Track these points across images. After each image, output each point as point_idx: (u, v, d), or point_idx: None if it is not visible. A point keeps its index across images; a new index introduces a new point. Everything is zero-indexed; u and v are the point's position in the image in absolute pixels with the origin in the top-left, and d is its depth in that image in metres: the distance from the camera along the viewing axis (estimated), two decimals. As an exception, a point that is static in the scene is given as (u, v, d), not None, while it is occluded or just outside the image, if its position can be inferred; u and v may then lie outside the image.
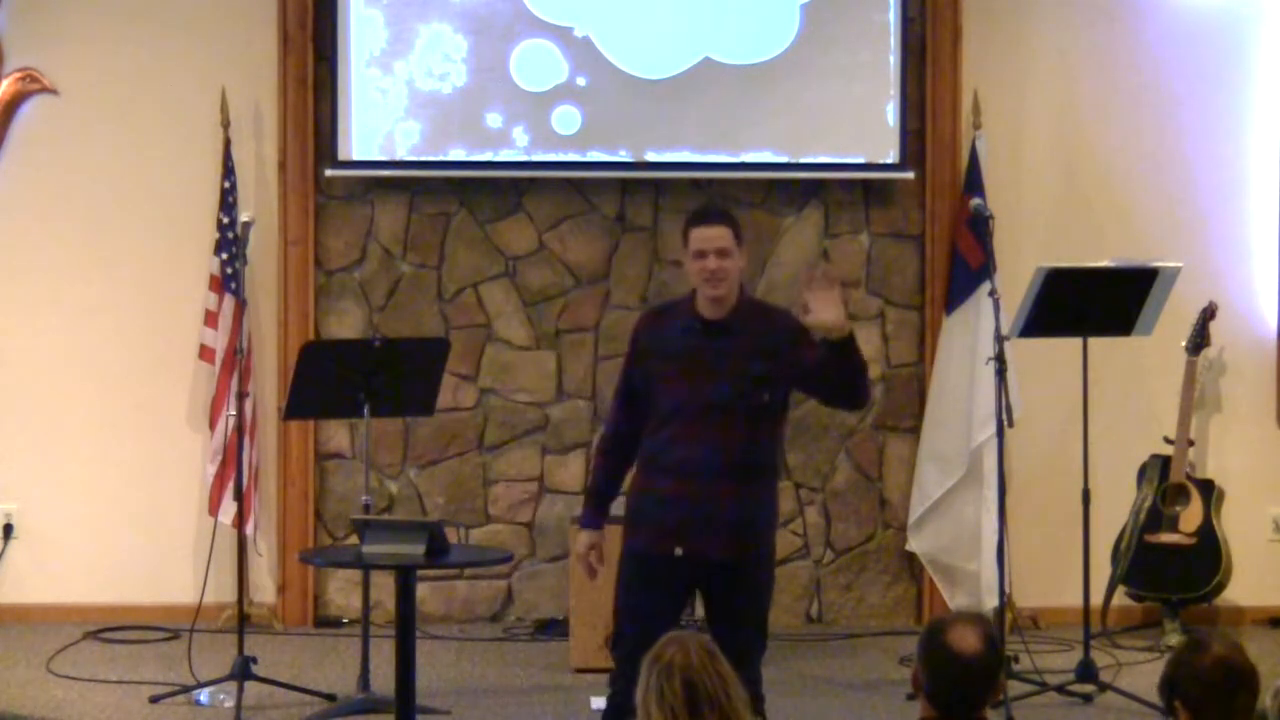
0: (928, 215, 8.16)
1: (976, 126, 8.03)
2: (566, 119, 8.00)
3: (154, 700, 6.79)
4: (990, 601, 7.50)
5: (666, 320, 5.51)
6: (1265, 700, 3.74)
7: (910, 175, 8.12)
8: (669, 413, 5.36)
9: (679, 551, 5.32)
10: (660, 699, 3.52)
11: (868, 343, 8.19)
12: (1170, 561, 7.88)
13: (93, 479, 8.05)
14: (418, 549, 5.56)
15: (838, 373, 5.31)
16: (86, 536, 8.04)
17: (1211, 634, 3.81)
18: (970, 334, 7.86)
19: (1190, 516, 7.89)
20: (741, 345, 5.35)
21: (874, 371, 8.20)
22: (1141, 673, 7.17)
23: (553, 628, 7.88)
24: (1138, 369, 8.08)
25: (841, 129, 8.07)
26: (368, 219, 8.13)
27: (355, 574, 7.77)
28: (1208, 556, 7.87)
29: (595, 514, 5.55)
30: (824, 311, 5.23)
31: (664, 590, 5.37)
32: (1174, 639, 7.58)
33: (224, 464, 7.73)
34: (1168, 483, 7.90)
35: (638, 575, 5.40)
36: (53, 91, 8.02)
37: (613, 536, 5.54)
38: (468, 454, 8.17)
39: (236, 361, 7.09)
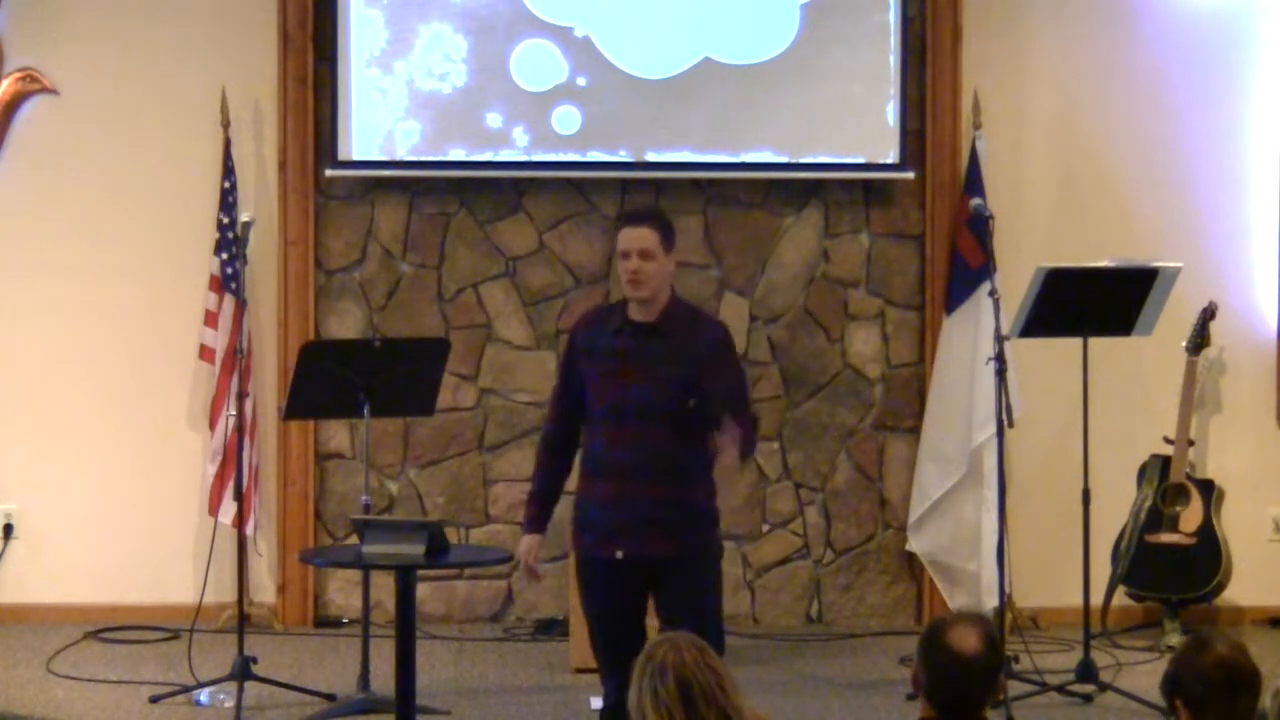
0: (928, 215, 8.16)
1: (976, 126, 8.04)
2: (566, 119, 8.00)
3: (154, 700, 6.79)
4: (990, 601, 7.50)
5: (600, 322, 5.53)
6: (1265, 700, 3.73)
7: (910, 175, 8.12)
8: (601, 416, 5.39)
9: (619, 554, 5.34)
10: (655, 699, 3.52)
11: (867, 343, 8.20)
12: (1170, 561, 7.88)
13: (93, 479, 8.05)
14: (418, 549, 5.56)
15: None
16: (86, 536, 8.04)
17: (1214, 634, 3.81)
18: (970, 334, 7.86)
19: (1190, 516, 7.89)
20: (667, 350, 5.34)
21: (874, 371, 8.21)
22: (1141, 673, 7.17)
23: (553, 628, 7.89)
24: (1138, 369, 8.08)
25: (841, 129, 8.07)
26: (368, 219, 8.13)
27: (355, 574, 7.76)
28: (1208, 556, 7.87)
29: (536, 518, 5.56)
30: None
31: (614, 592, 5.39)
32: (1174, 639, 7.58)
33: (224, 464, 7.73)
34: (1168, 483, 7.89)
35: (587, 580, 5.46)
36: (53, 91, 8.02)
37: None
38: (468, 454, 8.17)
39: (236, 361, 7.09)
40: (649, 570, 5.34)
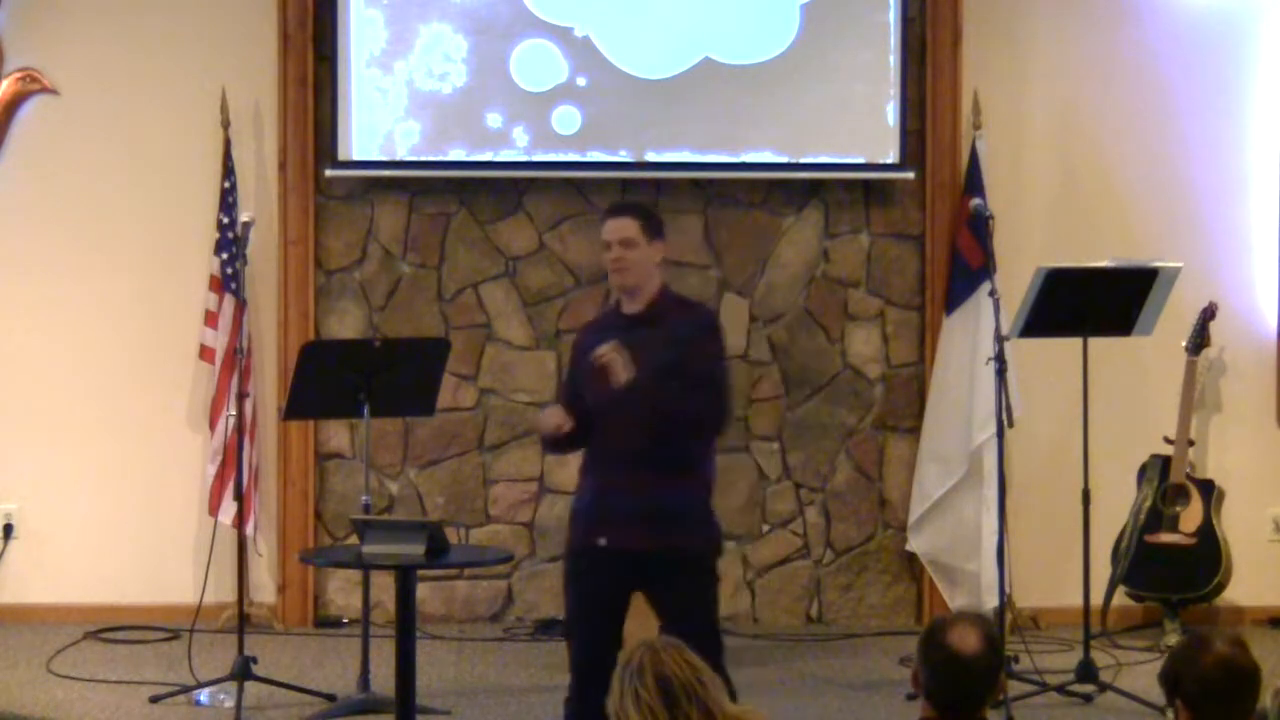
0: (928, 215, 8.16)
1: (976, 126, 8.04)
2: (566, 119, 8.00)
3: (154, 700, 6.79)
4: (990, 601, 7.50)
5: (598, 324, 5.65)
6: (1265, 700, 3.73)
7: (910, 175, 8.12)
8: (594, 410, 5.41)
9: (602, 542, 5.37)
10: (637, 700, 3.51)
11: (867, 343, 8.20)
12: (1170, 562, 7.88)
13: (93, 479, 8.05)
14: (418, 549, 5.56)
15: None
16: (86, 536, 8.05)
17: (1214, 632, 3.79)
18: (970, 334, 7.86)
19: (1190, 516, 7.89)
20: (655, 337, 5.38)
21: (874, 371, 8.21)
22: (1141, 673, 7.17)
23: (553, 628, 7.88)
24: (1138, 369, 8.08)
25: (841, 129, 8.07)
26: (368, 219, 8.13)
27: (355, 574, 7.77)
28: (1208, 556, 7.87)
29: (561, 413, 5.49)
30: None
31: (596, 584, 5.40)
32: (1174, 639, 7.57)
33: (224, 464, 7.73)
34: (1168, 483, 7.89)
35: (572, 571, 5.51)
36: (53, 91, 8.03)
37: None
38: (468, 454, 8.17)
39: (236, 361, 7.09)
40: (634, 565, 5.34)
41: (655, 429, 5.32)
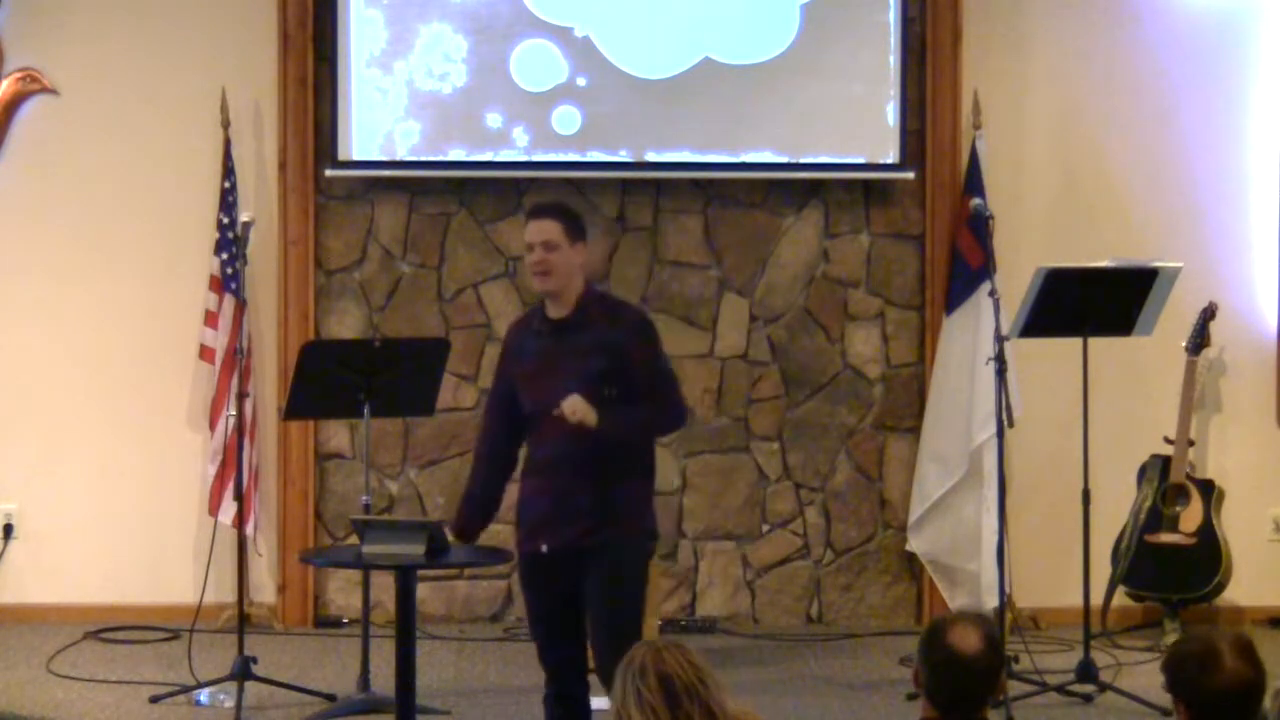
0: (928, 215, 8.16)
1: (976, 126, 8.04)
2: (566, 119, 8.00)
3: (154, 700, 6.79)
4: (990, 601, 7.50)
5: (524, 325, 5.61)
6: (1266, 700, 3.72)
7: (910, 175, 8.12)
8: (529, 416, 5.46)
9: (544, 548, 5.41)
10: (639, 700, 3.52)
11: (867, 343, 8.20)
12: (1170, 561, 7.88)
13: (93, 479, 8.05)
14: (418, 549, 5.55)
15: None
16: (86, 536, 8.04)
17: (1222, 638, 3.74)
18: (970, 334, 7.86)
19: (1190, 516, 7.89)
20: (583, 342, 5.39)
21: (874, 371, 8.21)
22: (1141, 673, 7.17)
23: (553, 628, 7.88)
24: (1138, 369, 8.07)
25: (841, 129, 8.07)
26: (368, 219, 8.13)
27: (355, 574, 7.76)
28: (1208, 556, 7.87)
29: (466, 524, 5.67)
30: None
31: (544, 589, 5.48)
32: (1174, 639, 7.56)
33: (224, 464, 7.73)
34: (1168, 483, 7.89)
35: (522, 577, 5.60)
36: (53, 91, 8.02)
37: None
38: (468, 454, 8.15)
39: (236, 361, 7.09)
40: (574, 563, 5.37)
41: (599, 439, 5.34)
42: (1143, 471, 7.95)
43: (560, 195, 8.08)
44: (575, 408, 5.25)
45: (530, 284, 8.05)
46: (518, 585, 8.07)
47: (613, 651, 4.79)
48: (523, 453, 5.64)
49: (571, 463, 5.35)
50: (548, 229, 5.42)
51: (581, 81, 7.99)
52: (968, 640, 3.66)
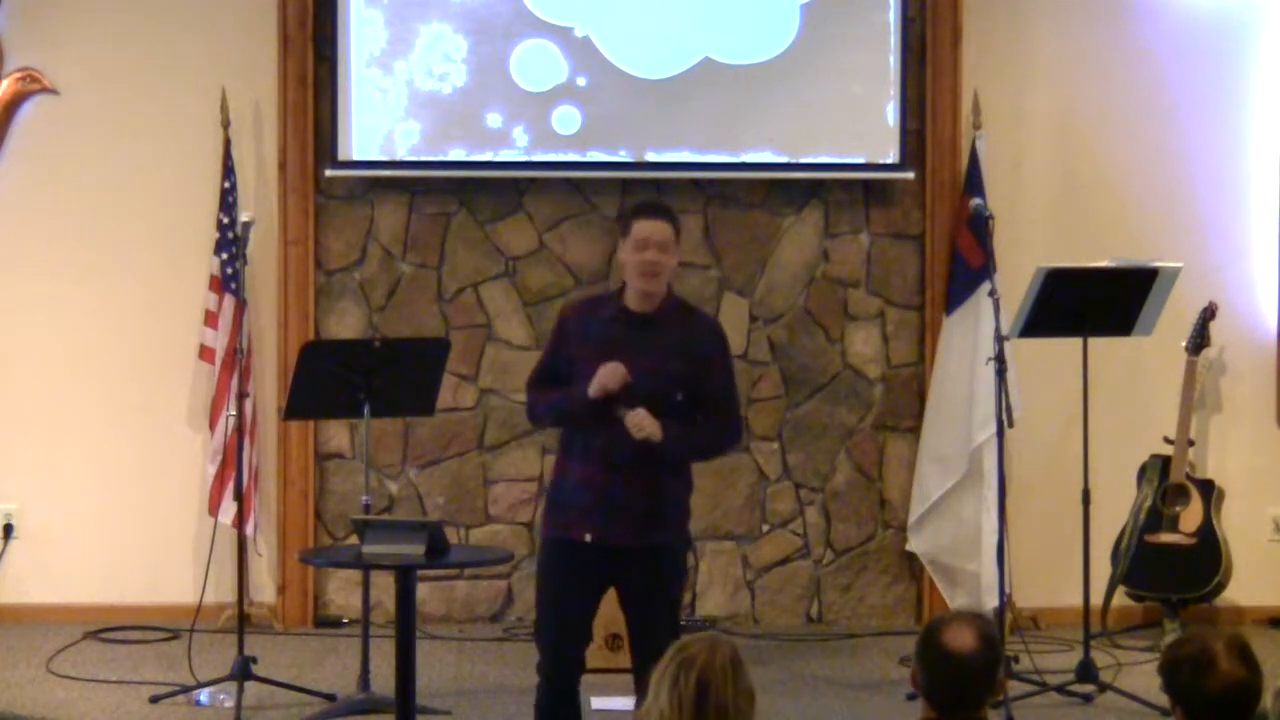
0: (928, 215, 8.16)
1: (976, 126, 8.04)
2: (566, 119, 8.00)
3: (154, 700, 6.79)
4: (990, 601, 7.50)
5: (594, 309, 5.54)
6: (1266, 700, 3.72)
7: (910, 175, 8.12)
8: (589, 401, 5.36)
9: (588, 538, 5.36)
10: (673, 685, 3.57)
11: (867, 343, 8.20)
12: (1170, 561, 7.88)
13: (93, 479, 8.05)
14: (418, 549, 5.56)
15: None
16: (86, 536, 8.04)
17: (1217, 639, 3.74)
18: (970, 334, 7.86)
19: (1190, 516, 7.89)
20: (663, 341, 5.37)
21: (874, 371, 8.21)
22: (1141, 673, 7.17)
23: (553, 628, 7.88)
24: (1138, 369, 8.08)
25: (841, 129, 8.07)
26: (368, 219, 8.13)
27: (355, 574, 7.77)
28: (1208, 556, 7.87)
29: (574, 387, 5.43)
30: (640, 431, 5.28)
31: (575, 577, 5.41)
32: (1173, 640, 7.56)
33: (224, 464, 7.73)
34: (1168, 483, 7.90)
35: (552, 561, 5.46)
36: (53, 91, 8.03)
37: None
38: (468, 454, 8.17)
39: (236, 361, 7.09)
40: (613, 559, 5.35)
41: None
42: (1143, 471, 7.95)
43: (561, 194, 8.11)
44: (641, 424, 5.23)
45: (527, 282, 8.13)
46: (518, 585, 8.12)
47: (654, 654, 4.84)
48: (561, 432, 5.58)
49: (626, 458, 5.29)
50: (663, 230, 5.38)
51: (581, 81, 7.99)
52: (963, 640, 3.66)
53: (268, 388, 8.02)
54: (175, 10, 8.03)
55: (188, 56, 8.02)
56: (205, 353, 7.89)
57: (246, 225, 7.09)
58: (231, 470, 7.42)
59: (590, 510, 5.35)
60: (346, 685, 6.89)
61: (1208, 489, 7.94)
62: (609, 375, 5.27)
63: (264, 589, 8.07)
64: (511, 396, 8.14)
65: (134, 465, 8.04)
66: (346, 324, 8.11)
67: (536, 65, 7.98)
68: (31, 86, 8.02)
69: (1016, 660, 7.00)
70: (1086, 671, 6.91)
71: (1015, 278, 7.22)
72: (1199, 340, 7.92)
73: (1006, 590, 7.10)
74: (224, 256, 7.77)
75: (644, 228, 5.38)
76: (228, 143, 7.91)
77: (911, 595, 8.26)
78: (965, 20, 8.12)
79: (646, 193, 8.10)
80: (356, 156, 7.99)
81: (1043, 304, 6.92)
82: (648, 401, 5.28)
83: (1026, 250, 7.85)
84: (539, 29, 7.97)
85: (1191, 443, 7.96)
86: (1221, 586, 7.93)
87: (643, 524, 5.35)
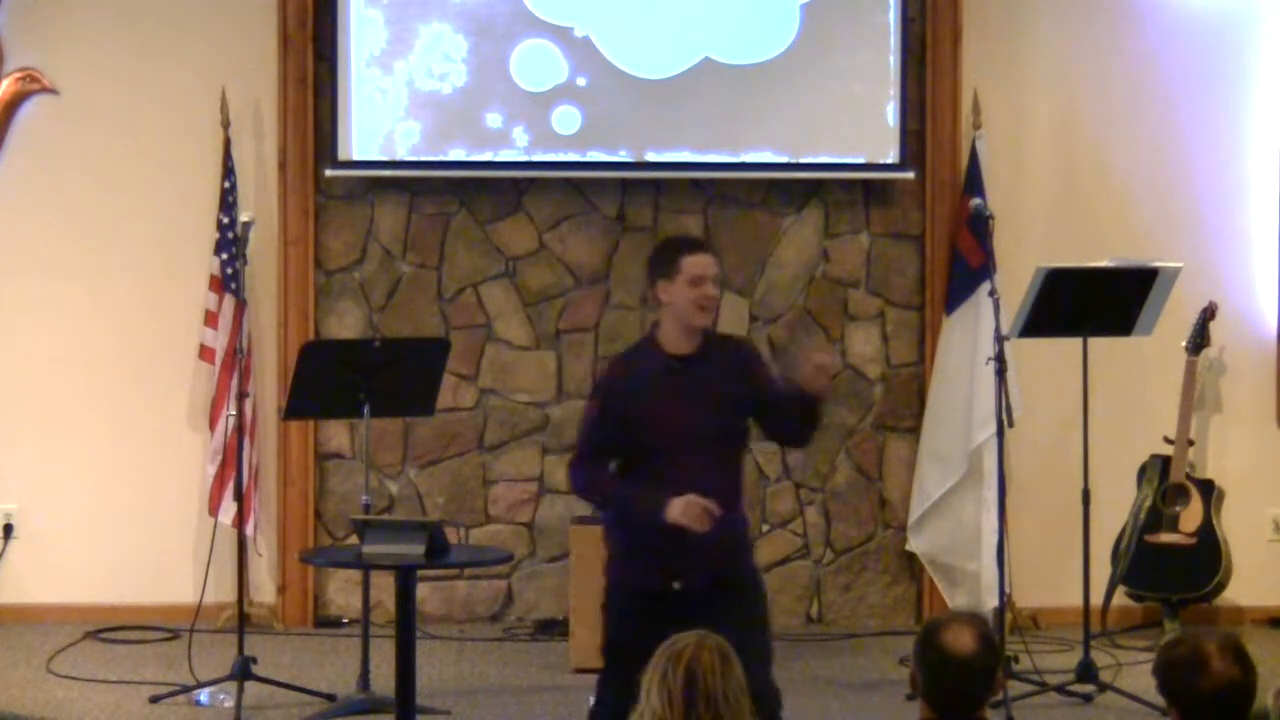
0: (928, 215, 8.16)
1: (976, 126, 8.04)
2: (566, 119, 8.00)
3: (154, 700, 6.79)
4: (990, 601, 7.50)
5: (635, 364, 5.46)
6: (1267, 700, 3.72)
7: (910, 175, 8.12)
8: (654, 449, 5.29)
9: (677, 586, 5.28)
10: (662, 680, 3.59)
11: (867, 343, 8.20)
12: (1170, 561, 7.88)
13: (93, 479, 8.05)
14: (418, 549, 5.56)
15: (802, 416, 5.41)
16: (86, 536, 8.04)
17: (1210, 640, 3.74)
18: (970, 334, 7.86)
19: (1190, 516, 7.89)
20: (717, 373, 5.37)
21: (874, 371, 8.21)
22: (1141, 673, 7.16)
23: (553, 628, 7.89)
24: (1138, 369, 8.07)
25: (841, 129, 8.07)
26: (368, 219, 8.13)
27: (355, 574, 7.77)
28: (1208, 556, 7.87)
29: (648, 491, 5.32)
30: (821, 379, 5.33)
31: (656, 625, 5.23)
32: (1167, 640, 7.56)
33: (224, 464, 7.73)
34: (1168, 483, 7.89)
35: (630, 610, 5.33)
36: (53, 91, 8.03)
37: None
38: (468, 454, 8.17)
39: (236, 361, 7.10)
40: (704, 600, 5.23)
41: (721, 454, 5.37)
42: (1143, 471, 7.95)
43: (561, 194, 8.11)
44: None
45: (527, 282, 8.13)
46: (518, 585, 8.12)
47: (770, 674, 5.09)
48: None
49: (708, 495, 5.19)
50: (713, 263, 5.41)
51: (581, 81, 7.99)
52: (961, 641, 3.67)
53: (268, 388, 8.02)
54: (175, 10, 8.03)
55: (188, 56, 8.02)
56: (205, 353, 7.89)
57: (246, 225, 7.09)
58: (231, 470, 7.42)
59: (680, 557, 5.24)
60: (346, 685, 6.89)
61: (1208, 489, 7.94)
62: (695, 519, 5.18)
63: (264, 589, 8.07)
64: (511, 396, 8.14)
65: (134, 465, 8.04)
66: (346, 324, 8.11)
67: (536, 65, 7.98)
68: (31, 86, 8.02)
69: (1016, 660, 7.00)
70: (1086, 671, 6.91)
71: (1015, 278, 7.22)
72: (1199, 340, 7.92)
73: (1006, 590, 7.10)
74: (224, 256, 7.77)
75: (696, 263, 5.35)
76: (228, 143, 7.91)
77: (911, 595, 8.26)
78: (965, 20, 8.12)
79: (646, 193, 8.11)
80: (356, 156, 7.99)
81: (1043, 304, 6.92)
82: (713, 434, 5.30)
83: (1026, 250, 7.85)
84: (539, 29, 7.97)
85: (1191, 443, 7.96)
86: (1221, 586, 7.93)
87: (726, 557, 5.33)
